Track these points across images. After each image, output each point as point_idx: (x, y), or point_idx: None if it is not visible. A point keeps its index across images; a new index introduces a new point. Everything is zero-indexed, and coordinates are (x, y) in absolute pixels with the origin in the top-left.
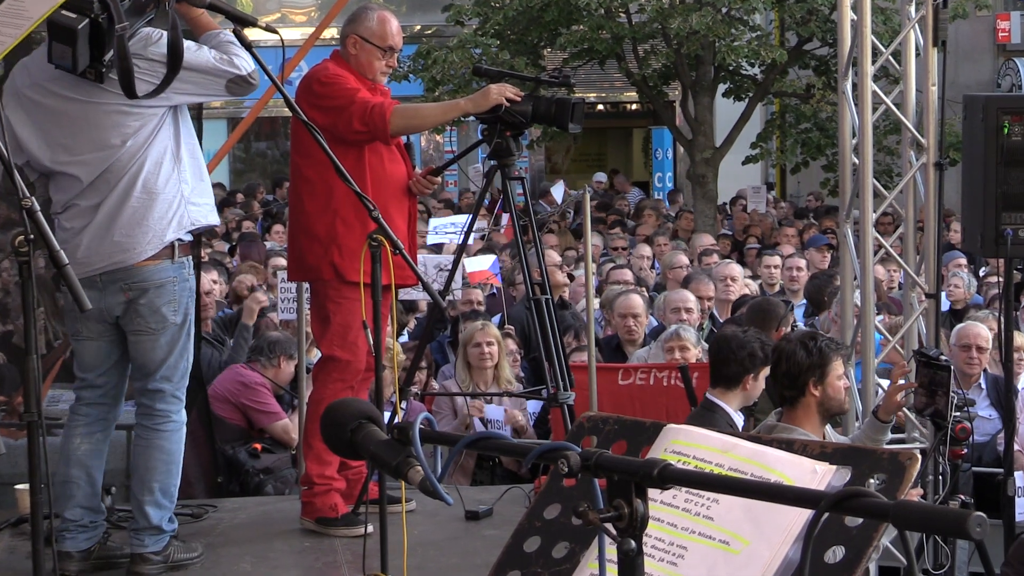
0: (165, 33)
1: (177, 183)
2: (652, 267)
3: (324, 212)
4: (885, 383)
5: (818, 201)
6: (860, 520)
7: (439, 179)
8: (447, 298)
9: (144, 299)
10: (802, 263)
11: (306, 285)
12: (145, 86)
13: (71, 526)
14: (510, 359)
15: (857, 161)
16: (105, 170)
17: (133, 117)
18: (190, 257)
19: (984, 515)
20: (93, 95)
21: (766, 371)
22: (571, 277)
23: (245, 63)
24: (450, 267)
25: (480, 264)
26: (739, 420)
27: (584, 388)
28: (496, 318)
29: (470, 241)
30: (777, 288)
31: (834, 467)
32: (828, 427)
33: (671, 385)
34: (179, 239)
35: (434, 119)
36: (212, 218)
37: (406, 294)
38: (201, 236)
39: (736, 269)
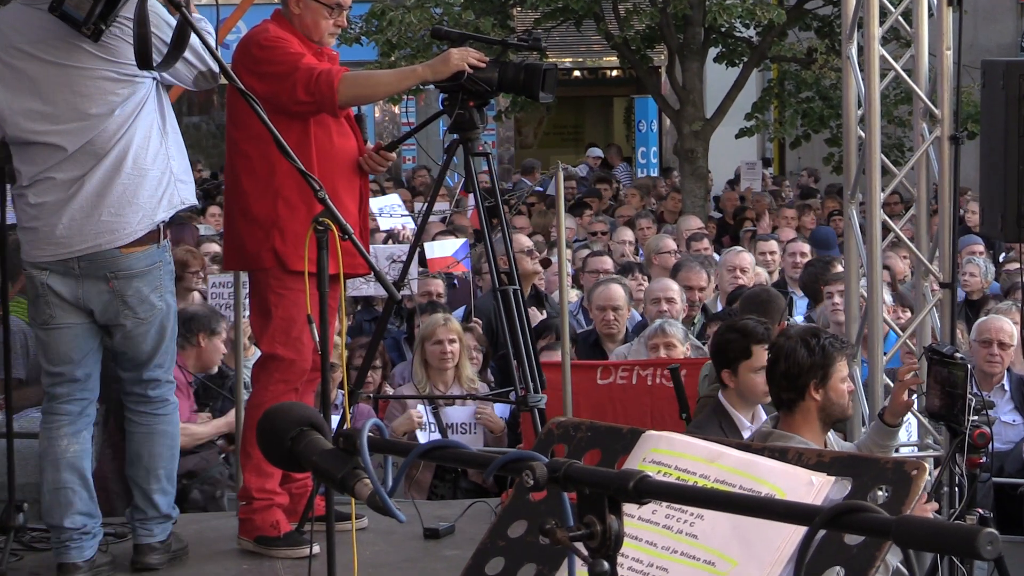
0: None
1: (165, 159)
2: (636, 253)
3: (265, 193)
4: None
5: (812, 178)
6: (861, 538)
7: (394, 155)
8: (403, 290)
9: (131, 289)
10: (805, 248)
11: (245, 275)
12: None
13: (74, 535)
14: (474, 357)
15: (864, 134)
16: (88, 141)
17: (122, 85)
18: (169, 238)
19: (996, 532)
20: (78, 59)
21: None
22: (547, 263)
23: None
24: (404, 259)
25: (443, 249)
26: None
27: (557, 389)
28: (460, 311)
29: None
30: (776, 278)
31: (833, 478)
32: (831, 433)
33: (656, 384)
34: (164, 219)
35: (388, 87)
36: (194, 197)
37: (355, 288)
38: None
39: (747, 259)
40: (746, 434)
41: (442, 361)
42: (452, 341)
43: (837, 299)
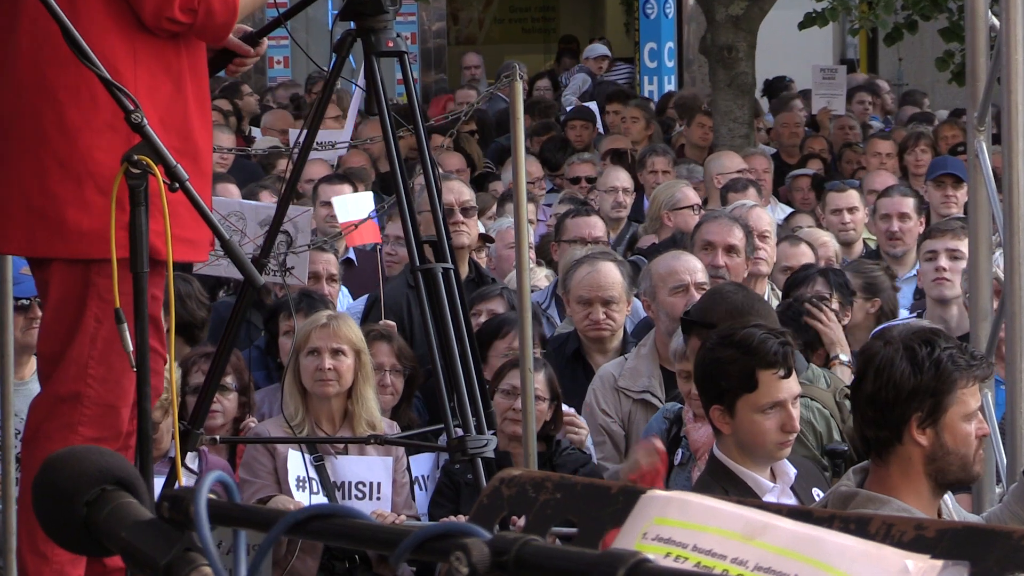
0: None
1: None
2: (637, 210)
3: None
4: None
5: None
6: None
7: (263, 45)
8: (265, 270)
9: None
10: (908, 205)
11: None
12: None
13: None
14: (383, 377)
15: (998, 22)
16: None
17: None
18: None
19: None
20: None
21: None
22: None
23: None
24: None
25: (360, 207)
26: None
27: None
28: (359, 303)
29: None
30: (859, 249)
31: (940, 563)
32: (948, 498)
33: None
34: None
35: None
36: None
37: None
38: None
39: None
40: (770, 498)
41: (323, 385)
42: (338, 353)
43: (944, 262)
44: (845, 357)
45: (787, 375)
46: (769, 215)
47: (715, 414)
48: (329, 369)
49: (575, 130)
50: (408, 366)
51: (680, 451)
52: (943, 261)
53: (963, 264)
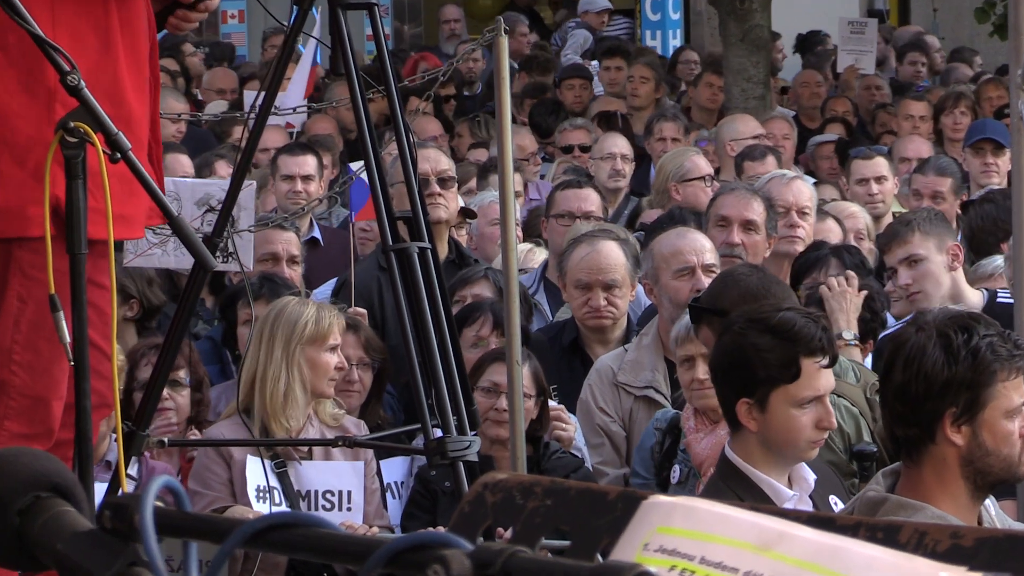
0: None
1: None
2: (638, 182)
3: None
4: None
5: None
6: None
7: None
8: (218, 253)
9: None
10: (945, 185)
11: None
12: None
13: None
14: (349, 372)
15: None
16: None
17: None
18: None
19: None
20: None
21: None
22: (470, 214)
23: None
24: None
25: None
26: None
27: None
28: (327, 287)
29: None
30: (887, 224)
31: (978, 574)
32: (990, 502)
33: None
34: None
35: None
36: None
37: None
38: None
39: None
40: (788, 505)
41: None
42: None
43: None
44: (850, 335)
45: (830, 364)
46: (811, 189)
47: (741, 409)
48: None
49: (573, 91)
50: (377, 359)
51: (677, 467)
52: (904, 276)
53: (930, 264)
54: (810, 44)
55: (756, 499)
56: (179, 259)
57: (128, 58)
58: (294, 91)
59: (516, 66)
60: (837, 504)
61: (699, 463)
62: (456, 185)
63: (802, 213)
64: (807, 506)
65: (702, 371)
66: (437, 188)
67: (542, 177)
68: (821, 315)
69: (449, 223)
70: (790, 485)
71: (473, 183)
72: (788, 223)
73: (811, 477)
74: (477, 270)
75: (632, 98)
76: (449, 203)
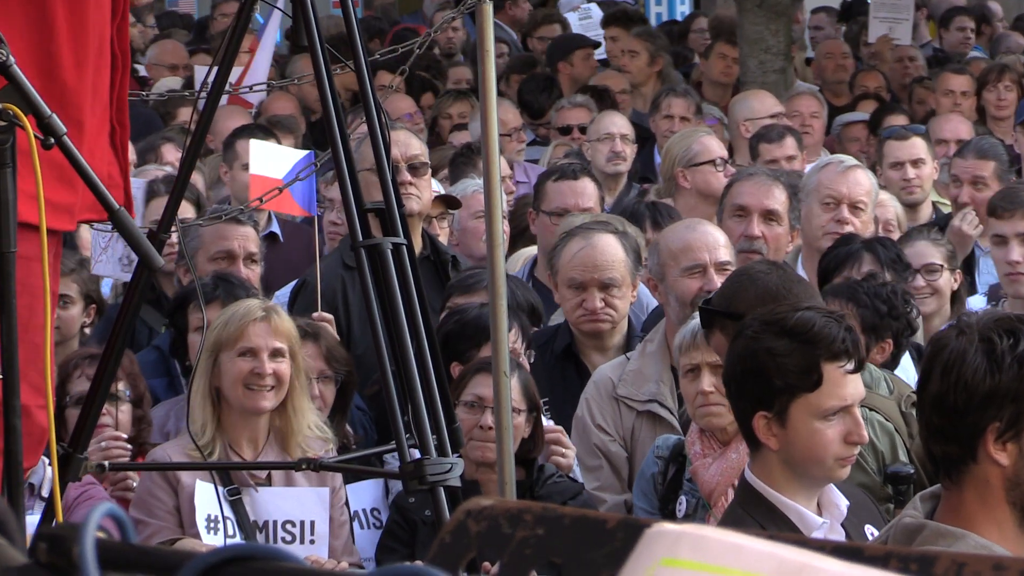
0: None
1: None
2: (644, 170)
3: None
4: None
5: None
6: None
7: None
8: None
9: None
10: (988, 168)
11: None
12: None
13: None
14: (316, 394)
15: None
16: None
17: None
18: None
19: None
20: None
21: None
22: (454, 203)
23: None
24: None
25: (278, 163)
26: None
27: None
28: (286, 291)
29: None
30: (927, 213)
31: None
32: None
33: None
34: None
35: None
36: None
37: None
38: None
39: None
40: (818, 535)
41: (255, 396)
42: (278, 355)
43: (1017, 252)
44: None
45: (857, 369)
46: (872, 182)
47: (759, 424)
48: (270, 375)
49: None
50: (341, 371)
51: (683, 498)
52: (1016, 252)
53: None
54: (855, 11)
55: (780, 528)
56: (115, 266)
57: (69, 29)
58: (259, 67)
59: (515, 36)
60: (873, 535)
61: (708, 492)
62: (429, 172)
63: (855, 208)
64: (839, 536)
65: (708, 382)
66: (408, 176)
67: (536, 162)
68: (845, 314)
69: (422, 215)
70: (819, 511)
71: (446, 171)
72: (836, 217)
73: (843, 503)
74: (479, 276)
75: (625, 74)
76: (422, 192)
